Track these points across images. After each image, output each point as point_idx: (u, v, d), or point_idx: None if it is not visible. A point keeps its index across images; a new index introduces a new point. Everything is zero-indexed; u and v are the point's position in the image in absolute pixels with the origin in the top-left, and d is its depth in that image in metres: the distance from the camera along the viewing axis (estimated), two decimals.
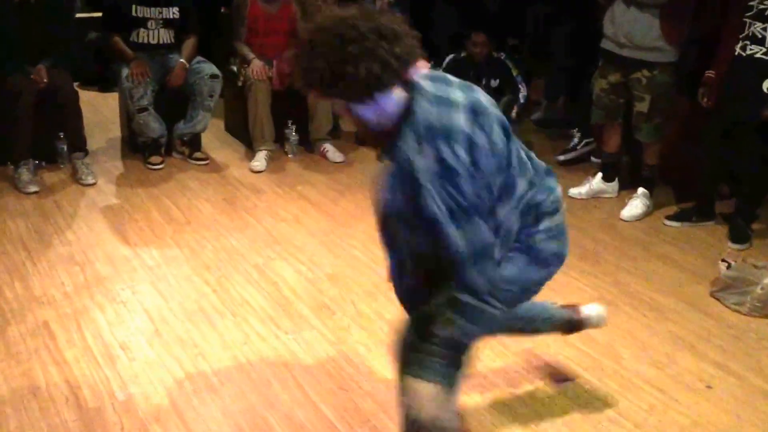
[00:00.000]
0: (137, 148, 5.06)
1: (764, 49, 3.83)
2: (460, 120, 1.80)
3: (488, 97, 1.94)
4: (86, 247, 3.81)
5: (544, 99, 6.12)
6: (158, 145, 4.96)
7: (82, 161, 4.66)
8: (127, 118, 5.08)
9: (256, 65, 5.07)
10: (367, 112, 1.80)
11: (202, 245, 3.90)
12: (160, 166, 4.90)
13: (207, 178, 4.82)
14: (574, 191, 4.69)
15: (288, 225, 4.20)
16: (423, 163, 1.75)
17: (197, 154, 5.07)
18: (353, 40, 1.70)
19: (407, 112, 1.81)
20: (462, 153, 1.75)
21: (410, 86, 1.83)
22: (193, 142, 5.10)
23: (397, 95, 1.79)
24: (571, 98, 5.78)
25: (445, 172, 1.74)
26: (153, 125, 4.87)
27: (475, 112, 1.84)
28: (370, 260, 3.79)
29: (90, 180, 4.59)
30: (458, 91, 1.88)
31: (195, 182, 4.75)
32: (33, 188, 4.42)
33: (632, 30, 4.17)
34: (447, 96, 1.84)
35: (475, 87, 1.95)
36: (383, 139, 1.86)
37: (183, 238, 3.97)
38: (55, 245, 3.82)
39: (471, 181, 1.76)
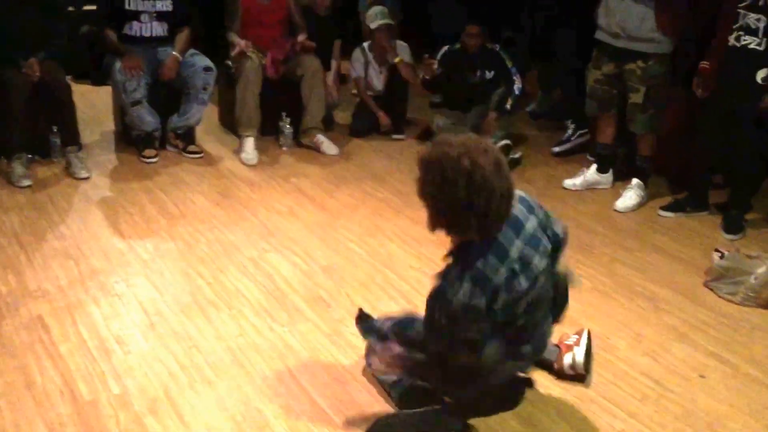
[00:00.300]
0: (131, 141, 5.05)
1: (757, 40, 3.83)
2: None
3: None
4: (80, 241, 3.80)
5: (539, 91, 6.12)
6: (152, 138, 4.95)
7: (75, 155, 4.65)
8: (121, 111, 5.07)
9: (243, 42, 5.07)
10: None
11: (196, 238, 3.90)
12: (155, 160, 4.89)
13: (201, 171, 4.82)
14: (568, 182, 4.69)
15: (283, 217, 4.20)
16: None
17: (191, 147, 5.06)
18: (453, 185, 2.08)
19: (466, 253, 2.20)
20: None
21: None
22: (187, 136, 5.09)
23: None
24: (566, 91, 5.76)
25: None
26: (147, 118, 4.86)
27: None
28: (366, 252, 3.80)
29: (83, 174, 4.58)
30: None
31: (189, 175, 4.74)
32: (26, 182, 4.41)
33: (627, 21, 4.16)
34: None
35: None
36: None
37: (177, 231, 3.96)
38: (48, 239, 3.81)
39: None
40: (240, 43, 5.08)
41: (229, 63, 5.30)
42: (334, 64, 5.68)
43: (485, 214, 2.09)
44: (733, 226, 4.13)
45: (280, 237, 3.95)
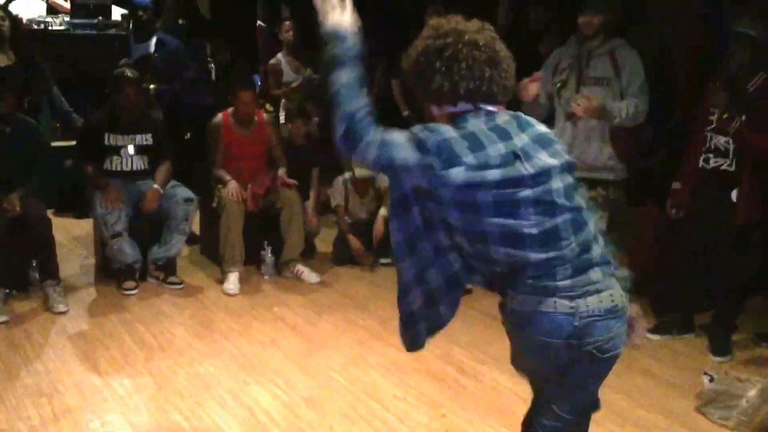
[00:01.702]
0: (111, 274, 5.01)
1: (728, 161, 3.93)
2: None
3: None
4: (55, 378, 3.69)
5: None
6: (132, 270, 4.91)
7: (54, 289, 4.59)
8: (101, 244, 5.05)
9: (232, 186, 5.11)
10: (433, 110, 2.07)
11: (175, 371, 3.79)
12: (134, 292, 4.83)
13: (182, 302, 4.76)
14: None
15: (264, 348, 4.11)
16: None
17: (172, 278, 5.02)
18: (441, 55, 1.96)
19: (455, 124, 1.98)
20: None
21: (474, 111, 2.00)
22: (168, 266, 5.06)
23: (460, 109, 2.01)
24: None
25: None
26: (127, 251, 4.84)
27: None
28: (348, 382, 3.70)
29: (62, 308, 4.50)
30: (497, 150, 1.93)
31: (169, 307, 4.67)
32: (2, 318, 4.31)
33: (585, 153, 4.14)
34: (481, 143, 1.93)
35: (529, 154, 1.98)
36: None
37: (155, 365, 3.86)
38: (21, 377, 3.69)
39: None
40: (231, 186, 5.12)
41: (214, 198, 5.35)
42: (312, 192, 5.75)
43: (470, 68, 1.95)
44: (720, 348, 4.09)
45: (261, 368, 3.86)
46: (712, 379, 3.56)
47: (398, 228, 2.08)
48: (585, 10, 4.08)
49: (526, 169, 1.93)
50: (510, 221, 1.92)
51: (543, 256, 1.95)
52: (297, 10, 7.11)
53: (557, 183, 1.98)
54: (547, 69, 4.23)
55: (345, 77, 1.88)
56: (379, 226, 5.40)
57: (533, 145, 1.99)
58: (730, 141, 3.91)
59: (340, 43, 1.92)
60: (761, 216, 3.93)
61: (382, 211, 5.40)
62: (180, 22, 6.66)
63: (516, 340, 2.13)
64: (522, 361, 2.18)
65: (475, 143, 1.91)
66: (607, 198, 4.26)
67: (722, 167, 3.96)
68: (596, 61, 4.12)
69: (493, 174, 1.89)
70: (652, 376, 3.87)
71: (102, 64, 6.26)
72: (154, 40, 6.18)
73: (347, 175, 5.60)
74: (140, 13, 6.27)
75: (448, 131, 1.93)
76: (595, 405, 2.24)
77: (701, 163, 4.02)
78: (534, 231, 1.93)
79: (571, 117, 4.10)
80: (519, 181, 1.92)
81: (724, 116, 3.83)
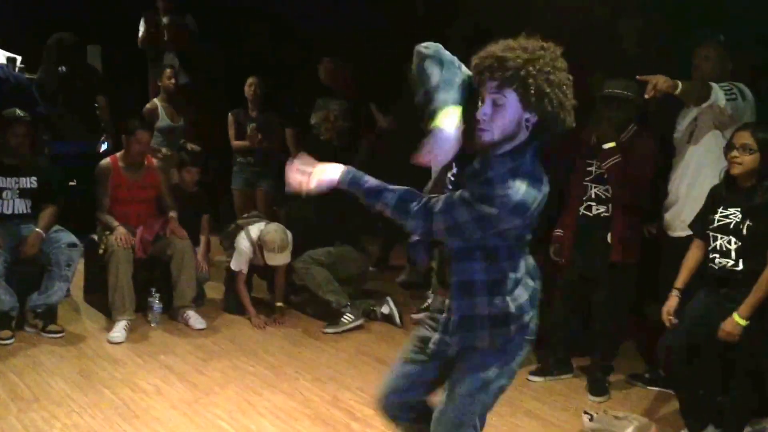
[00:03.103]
0: None
1: (607, 208, 4.14)
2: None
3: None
4: None
5: (407, 263, 6.28)
6: (8, 318, 4.67)
7: None
8: None
9: (120, 232, 4.98)
10: (502, 112, 2.14)
11: (50, 424, 3.62)
12: (10, 341, 4.60)
13: (61, 352, 4.56)
14: None
15: (148, 396, 3.99)
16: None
17: (51, 327, 4.81)
18: (548, 78, 2.10)
19: (518, 148, 2.19)
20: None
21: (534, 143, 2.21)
22: (48, 314, 4.84)
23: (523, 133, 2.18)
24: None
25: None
26: (3, 297, 4.60)
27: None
28: (235, 430, 3.64)
29: None
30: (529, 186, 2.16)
31: (47, 357, 4.47)
32: None
33: None
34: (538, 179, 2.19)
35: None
36: (481, 143, 2.19)
37: (29, 417, 3.68)
38: None
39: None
40: (119, 231, 4.98)
41: (95, 238, 5.19)
42: (203, 239, 5.66)
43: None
44: (598, 388, 4.24)
45: (145, 418, 3.74)
46: (591, 418, 3.70)
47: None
48: None
49: None
50: None
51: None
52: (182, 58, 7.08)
53: None
54: None
55: (390, 198, 2.23)
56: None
57: None
58: (609, 189, 4.12)
59: (360, 186, 2.24)
60: (635, 257, 4.15)
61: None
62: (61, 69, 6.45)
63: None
64: None
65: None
66: None
67: (602, 214, 4.16)
68: None
69: None
70: (534, 416, 3.96)
71: None
72: None
73: (253, 234, 5.22)
74: None
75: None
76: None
77: (582, 210, 4.22)
78: None
79: None
80: None
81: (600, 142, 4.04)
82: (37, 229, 4.77)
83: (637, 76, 3.70)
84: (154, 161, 5.50)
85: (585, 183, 4.21)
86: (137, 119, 5.62)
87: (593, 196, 4.19)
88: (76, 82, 6.52)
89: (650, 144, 4.09)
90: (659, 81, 3.59)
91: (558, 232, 4.37)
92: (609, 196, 4.13)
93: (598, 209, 4.17)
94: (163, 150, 6.24)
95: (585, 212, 4.22)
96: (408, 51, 2.35)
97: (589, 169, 4.19)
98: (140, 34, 7.24)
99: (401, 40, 3.31)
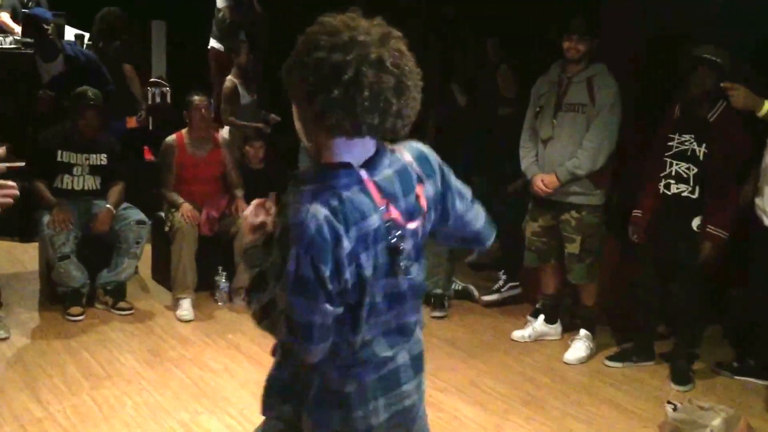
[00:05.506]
0: (57, 298, 4.78)
1: (690, 188, 3.92)
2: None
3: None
4: None
5: None
6: (79, 295, 4.70)
7: None
8: (47, 267, 4.83)
9: (186, 209, 4.95)
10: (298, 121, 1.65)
11: (122, 401, 3.61)
12: (80, 318, 4.62)
13: (131, 329, 4.56)
14: (517, 334, 4.59)
15: (217, 376, 3.95)
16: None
17: (121, 304, 4.81)
18: (340, 78, 1.50)
19: (323, 169, 1.62)
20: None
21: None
22: (117, 292, 4.85)
23: (336, 144, 1.60)
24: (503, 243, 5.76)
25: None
26: (74, 274, 4.63)
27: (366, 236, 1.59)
28: None
29: (2, 334, 4.28)
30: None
31: (118, 334, 4.48)
32: None
33: None
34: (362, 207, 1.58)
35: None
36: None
37: (101, 394, 3.68)
38: None
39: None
40: (184, 208, 4.95)
41: (162, 215, 5.18)
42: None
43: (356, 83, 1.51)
44: (681, 377, 4.06)
45: (214, 397, 3.70)
46: (675, 408, 3.52)
47: None
48: (569, 35, 4.08)
49: None
50: None
51: None
52: (251, 34, 7.00)
53: None
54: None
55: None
56: None
57: None
58: (692, 167, 3.90)
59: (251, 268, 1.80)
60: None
61: None
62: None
63: None
64: None
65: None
66: (581, 222, 4.24)
67: (683, 194, 3.94)
68: (574, 88, 4.17)
69: None
70: (615, 406, 3.81)
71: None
72: (61, 57, 5.40)
73: None
74: (45, 27, 5.28)
75: None
76: None
77: (661, 189, 4.01)
78: None
79: (546, 141, 4.25)
80: None
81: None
82: (108, 206, 4.77)
83: (722, 83, 3.61)
84: (220, 138, 5.45)
85: (665, 158, 3.99)
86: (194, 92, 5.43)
87: (673, 173, 3.97)
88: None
89: (740, 122, 3.85)
90: (740, 97, 3.50)
91: (636, 212, 4.16)
92: (691, 175, 3.91)
93: (678, 188, 3.95)
94: (272, 116, 6.36)
95: (664, 191, 4.00)
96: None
97: (670, 143, 3.98)
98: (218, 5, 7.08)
99: None
